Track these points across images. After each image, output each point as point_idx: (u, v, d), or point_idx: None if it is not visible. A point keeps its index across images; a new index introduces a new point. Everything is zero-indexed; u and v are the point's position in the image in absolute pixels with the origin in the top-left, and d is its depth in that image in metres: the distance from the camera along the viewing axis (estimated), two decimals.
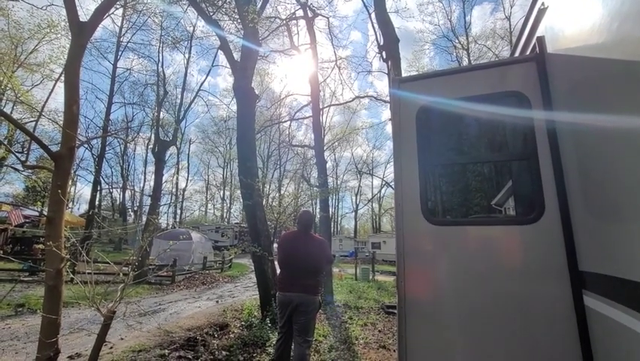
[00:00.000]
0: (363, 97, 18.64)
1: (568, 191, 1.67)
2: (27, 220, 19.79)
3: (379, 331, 5.94)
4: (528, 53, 2.17)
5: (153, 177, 16.20)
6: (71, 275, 2.57)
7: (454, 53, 27.01)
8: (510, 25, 24.90)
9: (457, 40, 26.58)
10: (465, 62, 24.96)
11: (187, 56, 18.90)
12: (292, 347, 3.36)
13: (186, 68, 19.35)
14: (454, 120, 2.60)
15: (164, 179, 20.40)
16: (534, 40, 2.00)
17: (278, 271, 3.62)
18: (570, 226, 1.63)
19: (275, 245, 5.65)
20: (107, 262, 3.09)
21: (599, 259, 1.42)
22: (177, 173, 39.76)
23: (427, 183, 2.12)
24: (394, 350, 4.72)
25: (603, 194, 1.36)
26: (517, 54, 2.44)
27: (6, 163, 19.07)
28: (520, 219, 2.24)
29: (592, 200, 1.47)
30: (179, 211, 43.01)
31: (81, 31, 2.47)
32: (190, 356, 4.23)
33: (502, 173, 4.39)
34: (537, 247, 1.73)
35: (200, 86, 21.32)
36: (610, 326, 1.32)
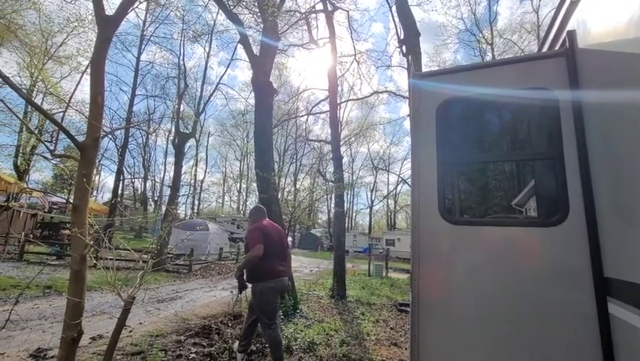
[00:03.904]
0: (381, 92, 18.26)
1: (595, 193, 1.59)
2: (54, 207, 20.82)
3: (391, 328, 5.92)
4: (557, 47, 2.08)
5: (173, 168, 16.58)
6: (94, 261, 2.67)
7: (478, 48, 26.18)
8: (538, 18, 23.90)
9: (480, 35, 25.71)
10: (489, 57, 24.16)
11: (207, 49, 19.17)
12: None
13: (206, 62, 19.72)
14: (476, 117, 2.53)
15: (183, 170, 20.88)
16: (564, 35, 1.90)
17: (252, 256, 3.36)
18: (596, 230, 1.56)
19: (290, 239, 5.71)
20: (128, 250, 3.20)
21: (626, 266, 1.35)
22: (196, 165, 40.67)
23: (445, 180, 2.08)
24: (406, 348, 4.70)
25: (633, 196, 1.29)
26: (545, 49, 2.34)
27: (36, 152, 19.98)
28: (542, 220, 2.16)
29: (620, 202, 1.40)
30: (196, 202, 44.09)
31: (107, 25, 2.53)
32: (205, 343, 4.34)
33: (524, 172, 4.25)
34: (560, 251, 1.66)
35: (220, 80, 21.70)
36: (636, 336, 1.26)
